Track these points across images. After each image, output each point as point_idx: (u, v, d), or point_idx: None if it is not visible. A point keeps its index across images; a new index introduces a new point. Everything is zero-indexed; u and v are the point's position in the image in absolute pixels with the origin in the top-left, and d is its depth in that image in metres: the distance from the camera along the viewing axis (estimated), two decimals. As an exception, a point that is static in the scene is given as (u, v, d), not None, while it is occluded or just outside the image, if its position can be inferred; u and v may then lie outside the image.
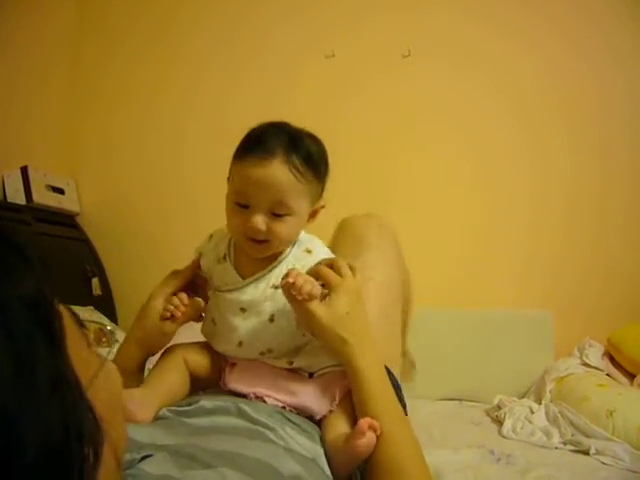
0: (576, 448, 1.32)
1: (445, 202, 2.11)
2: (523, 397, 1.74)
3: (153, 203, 2.36)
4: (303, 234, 0.89)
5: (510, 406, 1.58)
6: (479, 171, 2.10)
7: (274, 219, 0.79)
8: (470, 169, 2.10)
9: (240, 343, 0.85)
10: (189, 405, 0.77)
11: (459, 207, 2.09)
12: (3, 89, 2.13)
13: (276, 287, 0.82)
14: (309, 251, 0.86)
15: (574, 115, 2.02)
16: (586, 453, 1.28)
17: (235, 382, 0.86)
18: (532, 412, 1.55)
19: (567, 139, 2.02)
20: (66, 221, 2.29)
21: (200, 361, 0.88)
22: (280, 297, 0.82)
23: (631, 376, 1.65)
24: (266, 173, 0.77)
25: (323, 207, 0.87)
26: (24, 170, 2.10)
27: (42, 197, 2.14)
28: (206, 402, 0.77)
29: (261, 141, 0.80)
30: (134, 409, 0.72)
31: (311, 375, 0.86)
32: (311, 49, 2.22)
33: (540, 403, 1.60)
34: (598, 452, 1.27)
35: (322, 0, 2.21)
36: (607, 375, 1.67)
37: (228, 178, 0.84)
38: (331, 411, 0.82)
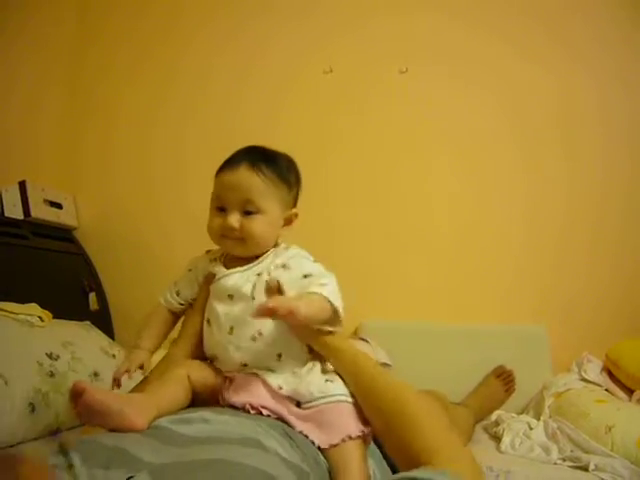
0: (575, 464, 1.32)
1: (438, 216, 2.12)
2: (521, 413, 1.73)
3: (152, 217, 2.35)
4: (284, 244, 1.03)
5: (508, 422, 1.58)
6: (474, 185, 2.10)
7: (246, 217, 0.94)
8: (465, 183, 2.11)
9: (231, 329, 0.93)
10: (189, 414, 0.78)
11: (452, 220, 2.10)
12: (2, 104, 2.14)
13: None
14: (286, 248, 1.00)
15: (574, 129, 2.03)
16: (585, 469, 1.28)
17: (232, 396, 0.90)
18: (530, 428, 1.54)
19: (564, 152, 2.03)
20: (64, 235, 2.28)
21: (202, 379, 0.94)
22: (260, 281, 0.94)
23: (630, 391, 1.64)
24: (235, 177, 0.94)
25: (296, 215, 1.02)
26: (22, 185, 2.10)
27: (40, 211, 2.14)
28: (206, 413, 0.79)
29: (233, 157, 0.98)
30: (132, 414, 0.74)
31: (298, 405, 0.89)
32: (309, 65, 2.23)
33: (539, 419, 1.60)
34: (597, 468, 1.26)
35: (320, 16, 2.23)
36: (606, 390, 1.67)
37: (212, 194, 0.99)
38: (334, 446, 0.84)
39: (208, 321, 0.98)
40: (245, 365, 0.93)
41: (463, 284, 2.05)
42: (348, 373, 0.90)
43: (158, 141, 2.36)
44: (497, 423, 1.61)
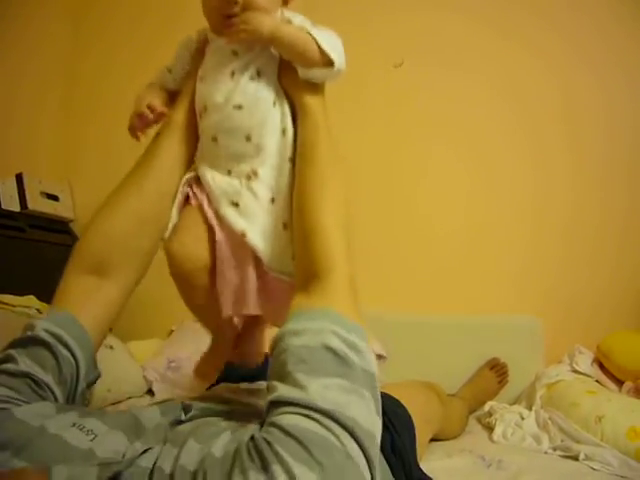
0: (565, 454, 1.34)
1: (440, 208, 2.12)
2: (514, 403, 1.75)
3: (148, 210, 2.36)
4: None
5: (501, 412, 1.60)
6: (477, 178, 2.11)
7: None
8: (467, 176, 2.11)
9: (232, 73, 0.89)
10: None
11: (455, 214, 2.11)
12: (0, 97, 2.14)
13: None
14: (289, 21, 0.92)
15: (577, 124, 2.03)
16: (575, 458, 1.30)
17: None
18: (522, 418, 1.56)
19: (569, 149, 2.03)
20: (60, 228, 2.29)
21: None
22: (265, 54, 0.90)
23: (620, 383, 1.67)
24: None
25: None
26: (19, 177, 2.11)
27: (37, 204, 2.15)
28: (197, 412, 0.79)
29: None
30: None
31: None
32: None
33: (530, 409, 1.62)
34: (587, 457, 1.29)
35: (314, 10, 2.21)
36: (596, 382, 1.69)
37: None
38: None
39: (202, 78, 0.93)
40: (240, 107, 0.89)
41: (459, 276, 2.06)
42: (301, 142, 0.88)
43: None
44: (490, 414, 1.63)
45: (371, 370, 0.62)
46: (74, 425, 0.58)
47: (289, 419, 0.54)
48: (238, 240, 0.87)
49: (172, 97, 1.00)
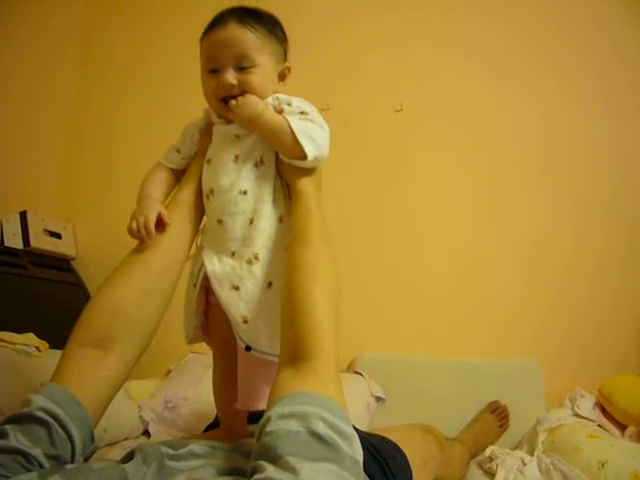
0: (568, 500, 1.32)
1: (434, 251, 2.13)
2: (515, 448, 1.73)
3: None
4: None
5: (502, 458, 1.57)
6: (471, 220, 2.13)
7: (242, 73, 0.94)
8: (463, 218, 2.13)
9: (245, 192, 0.94)
10: (179, 449, 0.78)
11: (448, 255, 2.12)
12: (3, 136, 2.18)
13: None
14: (288, 104, 0.99)
15: (588, 163, 2.08)
16: (578, 505, 1.28)
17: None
18: (524, 463, 1.54)
19: (570, 187, 2.07)
20: (61, 265, 2.30)
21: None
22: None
23: (622, 427, 1.65)
24: (226, 34, 0.93)
25: (289, 69, 1.03)
26: (23, 215, 2.13)
27: (39, 241, 2.16)
28: (195, 447, 0.78)
29: (217, 18, 0.96)
30: None
31: None
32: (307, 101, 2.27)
33: (532, 454, 1.59)
34: (590, 504, 1.27)
35: (319, 55, 2.27)
36: (599, 426, 1.67)
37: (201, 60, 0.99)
38: None
39: (209, 161, 1.00)
40: (245, 192, 0.95)
41: (458, 318, 2.06)
42: (294, 223, 0.92)
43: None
44: (491, 459, 1.60)
45: (358, 457, 0.63)
46: None
47: None
48: None
49: (179, 175, 1.07)
